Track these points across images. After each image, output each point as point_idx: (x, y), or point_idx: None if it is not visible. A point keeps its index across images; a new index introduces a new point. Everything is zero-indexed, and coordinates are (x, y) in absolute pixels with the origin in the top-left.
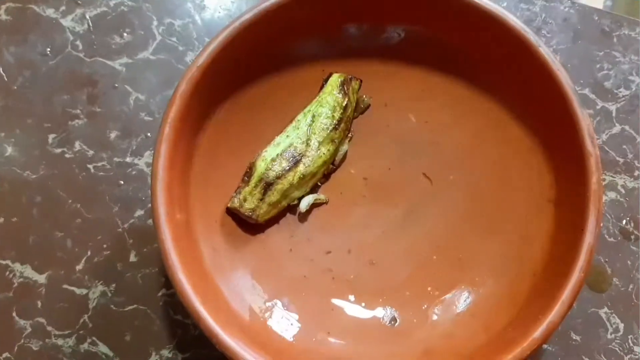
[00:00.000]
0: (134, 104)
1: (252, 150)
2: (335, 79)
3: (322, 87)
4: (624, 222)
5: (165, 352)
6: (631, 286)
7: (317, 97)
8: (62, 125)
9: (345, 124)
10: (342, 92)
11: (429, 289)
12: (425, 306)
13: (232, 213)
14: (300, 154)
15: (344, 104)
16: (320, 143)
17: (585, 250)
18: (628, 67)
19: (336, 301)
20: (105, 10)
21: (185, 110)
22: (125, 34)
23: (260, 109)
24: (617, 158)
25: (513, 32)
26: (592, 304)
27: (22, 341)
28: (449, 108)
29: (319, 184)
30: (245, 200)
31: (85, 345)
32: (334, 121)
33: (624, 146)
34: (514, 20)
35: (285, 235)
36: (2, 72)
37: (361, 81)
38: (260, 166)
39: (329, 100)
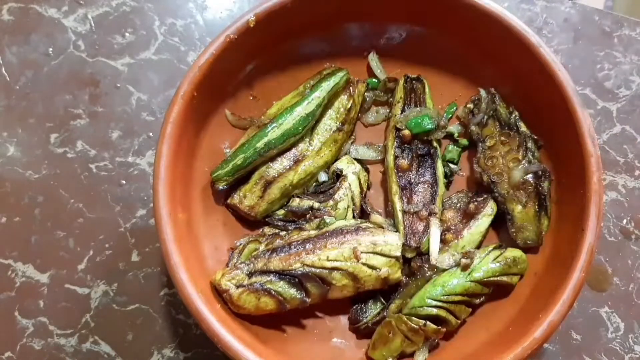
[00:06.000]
0: (136, 104)
1: None
2: (342, 79)
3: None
4: (625, 221)
5: (167, 352)
6: (632, 285)
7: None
8: (64, 125)
9: (349, 126)
10: (347, 93)
11: None
12: None
13: (232, 208)
14: (301, 153)
15: (348, 106)
16: (322, 144)
17: (586, 249)
18: (628, 67)
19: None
20: (107, 11)
21: (187, 110)
22: (127, 34)
23: (262, 108)
24: (618, 158)
25: (514, 32)
26: (592, 304)
27: (24, 340)
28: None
29: None
30: (245, 197)
31: (87, 345)
32: (338, 123)
33: (625, 146)
34: (515, 21)
35: None
36: (4, 71)
37: (368, 84)
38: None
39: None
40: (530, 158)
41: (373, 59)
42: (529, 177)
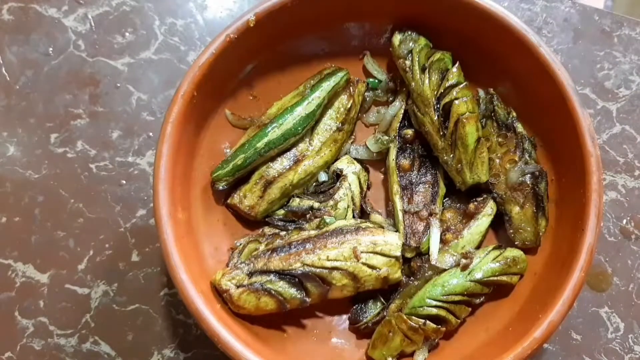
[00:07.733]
0: (136, 104)
1: None
2: (342, 79)
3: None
4: (625, 221)
5: (167, 352)
6: (631, 285)
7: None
8: (64, 124)
9: (349, 125)
10: (347, 93)
11: None
12: None
13: (232, 208)
14: (301, 153)
15: (348, 106)
16: (322, 143)
17: (585, 249)
18: (628, 67)
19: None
20: (107, 10)
21: (187, 109)
22: (127, 34)
23: (262, 108)
24: (618, 158)
25: (514, 31)
26: (592, 304)
27: (25, 341)
28: None
29: None
30: (245, 197)
31: (87, 345)
32: (338, 122)
33: (625, 146)
34: (515, 20)
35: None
36: (4, 71)
37: (368, 84)
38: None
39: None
40: (527, 159)
41: (368, 61)
42: (526, 178)
